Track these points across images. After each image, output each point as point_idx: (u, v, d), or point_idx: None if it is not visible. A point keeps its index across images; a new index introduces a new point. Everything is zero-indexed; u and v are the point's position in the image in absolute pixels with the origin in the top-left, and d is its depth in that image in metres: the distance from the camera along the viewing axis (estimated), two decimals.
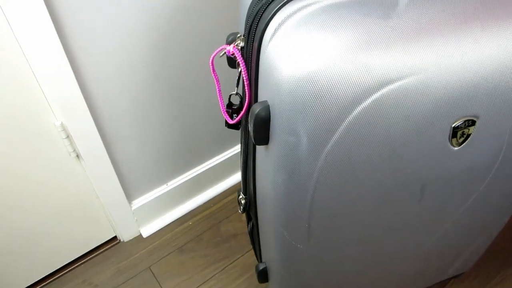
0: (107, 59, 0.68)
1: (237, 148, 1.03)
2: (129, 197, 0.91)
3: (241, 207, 0.68)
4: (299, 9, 0.42)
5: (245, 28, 0.48)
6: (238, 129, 0.57)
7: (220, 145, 0.99)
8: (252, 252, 0.93)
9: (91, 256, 0.93)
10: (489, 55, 0.42)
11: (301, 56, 0.39)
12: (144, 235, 0.97)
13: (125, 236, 0.94)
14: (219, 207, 1.03)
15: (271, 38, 0.43)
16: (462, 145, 0.48)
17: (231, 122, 0.56)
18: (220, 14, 0.77)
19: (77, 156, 0.77)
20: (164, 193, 0.95)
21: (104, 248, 0.95)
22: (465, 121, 0.46)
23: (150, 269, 0.91)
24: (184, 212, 1.01)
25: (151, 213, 0.96)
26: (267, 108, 0.44)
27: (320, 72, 0.39)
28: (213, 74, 0.54)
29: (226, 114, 0.56)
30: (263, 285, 0.87)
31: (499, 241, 0.92)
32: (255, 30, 0.46)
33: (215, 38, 0.79)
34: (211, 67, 0.53)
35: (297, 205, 0.50)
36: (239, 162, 1.06)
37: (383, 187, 0.50)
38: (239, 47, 0.50)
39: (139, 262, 0.92)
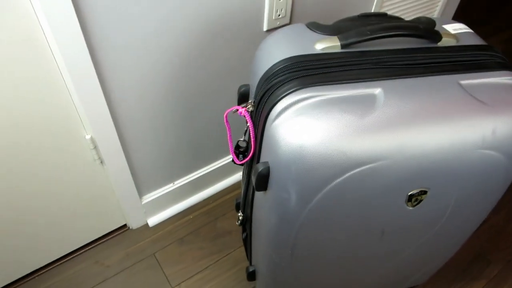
0: (132, 83, 0.77)
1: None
2: (140, 193, 1.02)
3: (239, 221, 0.81)
4: (298, 101, 0.53)
5: (255, 96, 0.60)
6: (242, 165, 0.69)
7: (223, 150, 1.09)
8: (243, 248, 1.06)
9: (103, 240, 1.06)
10: (439, 143, 0.54)
11: (296, 137, 0.51)
12: (150, 224, 1.09)
13: (134, 224, 1.07)
14: (217, 205, 1.14)
15: (275, 118, 0.54)
16: (415, 207, 0.62)
17: (238, 162, 0.68)
18: (237, 45, 0.86)
19: (101, 162, 0.89)
20: (171, 190, 1.06)
21: (115, 234, 1.08)
22: (419, 191, 0.59)
23: (155, 256, 1.05)
24: (186, 206, 1.13)
25: (158, 207, 1.07)
26: (267, 168, 0.57)
27: (309, 151, 0.51)
28: (226, 124, 0.66)
29: (234, 155, 0.68)
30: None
31: (452, 259, 1.07)
32: (263, 105, 0.57)
33: (229, 65, 0.88)
34: (224, 118, 0.65)
35: (283, 238, 0.63)
36: (236, 166, 1.16)
37: (352, 230, 0.63)
38: (249, 111, 0.61)
39: (145, 248, 1.05)
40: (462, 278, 1.02)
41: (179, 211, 1.12)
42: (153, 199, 1.04)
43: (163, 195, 1.05)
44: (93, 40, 0.68)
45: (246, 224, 0.80)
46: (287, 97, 0.54)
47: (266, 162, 0.57)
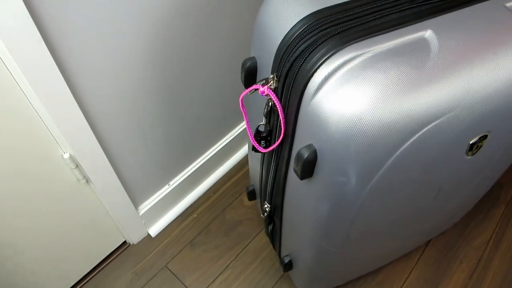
0: (108, 83, 0.67)
1: (229, 137, 1.06)
2: (136, 204, 0.93)
3: (266, 213, 0.73)
4: (342, 65, 0.45)
5: (278, 70, 0.51)
6: (258, 152, 0.61)
7: (215, 136, 1.02)
8: (261, 236, 1.00)
9: (104, 265, 0.96)
10: (501, 78, 0.48)
11: (352, 109, 0.44)
12: (153, 234, 1.01)
13: (134, 239, 0.98)
14: (219, 195, 1.08)
15: (316, 92, 0.46)
16: (474, 155, 0.56)
17: (262, 150, 0.59)
18: (227, 14, 0.77)
19: (87, 181, 0.78)
20: (168, 192, 0.98)
21: (116, 255, 0.98)
22: (480, 137, 0.54)
23: (168, 267, 0.96)
24: (187, 205, 1.05)
25: (157, 213, 0.99)
26: (314, 152, 0.49)
27: (370, 122, 0.44)
28: (242, 110, 0.57)
29: (256, 142, 0.60)
30: (276, 266, 0.95)
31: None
32: (294, 79, 0.49)
33: (218, 41, 0.79)
34: (240, 103, 0.56)
35: (337, 225, 0.57)
36: (231, 149, 1.09)
37: (411, 196, 0.58)
38: (272, 88, 0.52)
39: (154, 262, 0.97)
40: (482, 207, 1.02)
41: (181, 212, 1.05)
42: (150, 207, 0.96)
43: (160, 200, 0.97)
44: (52, 37, 0.55)
45: (275, 215, 0.73)
46: (326, 63, 0.46)
47: (311, 146, 0.49)
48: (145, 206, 0.95)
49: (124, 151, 0.80)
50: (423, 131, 0.47)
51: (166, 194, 0.98)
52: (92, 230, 0.88)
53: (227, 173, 1.12)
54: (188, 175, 1.00)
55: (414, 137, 0.47)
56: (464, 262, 0.95)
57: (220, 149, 1.05)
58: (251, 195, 0.88)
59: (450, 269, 0.94)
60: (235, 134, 1.07)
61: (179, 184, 0.99)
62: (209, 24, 0.77)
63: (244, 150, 1.14)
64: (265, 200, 0.73)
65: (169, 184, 0.98)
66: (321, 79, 0.46)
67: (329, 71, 0.45)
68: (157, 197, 0.96)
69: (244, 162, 1.14)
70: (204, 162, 1.02)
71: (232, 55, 0.87)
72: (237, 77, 0.93)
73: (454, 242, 0.98)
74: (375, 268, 0.89)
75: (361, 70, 0.45)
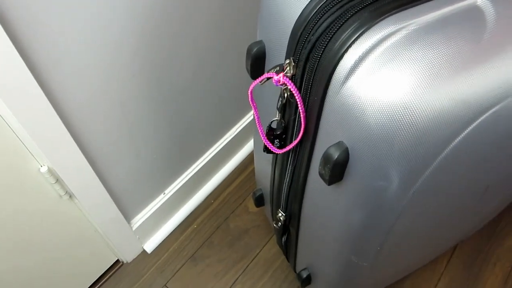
0: (89, 81, 0.60)
1: (229, 136, 1.00)
2: (128, 217, 0.87)
3: (279, 223, 0.67)
4: (379, 42, 0.39)
5: (295, 53, 0.45)
6: (271, 153, 0.55)
7: (213, 136, 0.97)
8: (270, 245, 0.94)
9: (97, 287, 0.89)
10: None
11: (396, 95, 0.37)
12: (149, 250, 0.94)
13: (128, 256, 0.91)
14: (221, 202, 1.01)
15: (347, 77, 0.40)
16: None
17: (277, 151, 0.52)
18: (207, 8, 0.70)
19: (70, 196, 0.70)
20: (163, 202, 0.92)
21: (109, 275, 0.91)
22: None
23: (167, 287, 0.89)
24: (185, 215, 0.99)
25: (152, 226, 0.93)
26: (346, 152, 0.43)
27: (419, 111, 0.37)
28: (251, 104, 0.50)
29: (268, 142, 0.53)
30: (290, 278, 0.88)
31: None
32: (318, 63, 0.42)
33: (206, 21, 0.73)
34: (249, 96, 0.49)
35: (372, 236, 0.51)
36: (232, 149, 1.04)
37: (457, 199, 0.51)
38: (289, 76, 0.46)
39: (152, 281, 0.90)
40: None
41: (179, 223, 0.98)
42: (145, 220, 0.90)
43: (155, 211, 0.91)
44: (19, 30, 0.47)
45: (291, 225, 0.67)
46: (359, 40, 0.39)
47: (341, 144, 0.43)
48: (139, 219, 0.89)
49: (112, 160, 0.73)
50: (479, 120, 0.40)
51: (162, 205, 0.91)
52: (80, 250, 0.81)
53: (228, 176, 1.06)
54: (185, 182, 0.94)
55: (469, 128, 0.40)
56: (497, 266, 0.89)
57: (220, 150, 0.99)
58: (259, 201, 0.82)
59: (482, 274, 0.88)
60: (236, 132, 1.01)
61: (175, 192, 0.93)
62: (199, 4, 0.70)
63: (246, 149, 1.09)
64: (278, 207, 0.67)
65: (164, 193, 0.92)
66: (353, 61, 0.39)
67: (364, 50, 0.39)
68: (151, 208, 0.90)
69: (247, 162, 1.08)
70: (202, 166, 0.97)
71: (230, 41, 0.81)
72: (236, 67, 0.87)
73: (484, 244, 0.92)
74: (401, 277, 0.83)
75: (404, 47, 0.38)
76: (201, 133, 0.91)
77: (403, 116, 0.37)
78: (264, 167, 0.71)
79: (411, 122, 0.37)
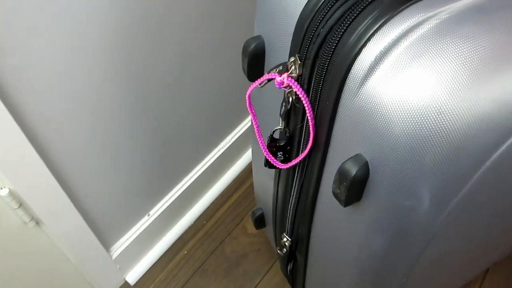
0: (52, 81, 0.58)
1: (221, 147, 0.99)
2: (107, 245, 0.84)
3: (284, 249, 0.65)
4: (406, 34, 0.36)
5: (301, 49, 0.43)
6: (273, 167, 0.54)
7: (204, 148, 0.96)
8: (274, 272, 0.92)
9: None
10: None
11: (426, 101, 0.35)
12: (132, 281, 0.91)
13: None
14: (214, 223, 0.99)
15: (366, 77, 0.38)
16: None
17: (280, 166, 0.50)
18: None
19: (37, 223, 0.68)
20: (148, 225, 0.90)
21: None
22: None
23: None
24: (174, 240, 0.97)
25: (136, 254, 0.91)
26: (365, 166, 0.41)
27: (454, 119, 0.35)
28: (249, 110, 0.49)
29: (270, 154, 0.51)
30: None
31: None
32: (329, 60, 0.40)
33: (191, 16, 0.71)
34: (247, 101, 0.48)
35: (397, 265, 0.49)
36: (226, 163, 1.03)
37: (499, 215, 0.49)
38: (294, 76, 0.44)
39: None
40: None
41: (167, 249, 0.96)
42: (127, 247, 0.87)
43: (139, 235, 0.89)
44: None
45: (299, 251, 0.65)
46: (380, 32, 0.37)
47: (359, 157, 0.41)
48: (119, 246, 0.86)
49: (87, 179, 0.71)
50: None
51: (146, 228, 0.89)
52: (51, 284, 0.78)
53: (223, 192, 1.04)
54: (173, 201, 0.93)
55: None
56: None
57: (212, 162, 0.98)
58: (259, 222, 0.81)
59: None
60: (231, 141, 1.00)
61: (161, 213, 0.91)
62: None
63: (243, 160, 1.09)
64: (283, 231, 0.65)
65: (149, 214, 0.90)
66: (373, 58, 0.37)
67: (386, 44, 0.36)
68: (134, 232, 0.88)
69: (245, 176, 1.07)
70: (192, 182, 0.95)
71: (223, 37, 0.80)
72: (230, 67, 0.86)
73: None
74: None
75: (435, 41, 0.36)
76: (190, 144, 0.90)
77: (436, 122, 0.35)
78: (265, 183, 0.69)
79: (446, 130, 0.35)
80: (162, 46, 0.69)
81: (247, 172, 1.07)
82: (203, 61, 0.80)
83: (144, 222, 0.89)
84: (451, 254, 0.52)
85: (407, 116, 0.35)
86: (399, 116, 0.36)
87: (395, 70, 0.36)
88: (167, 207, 0.92)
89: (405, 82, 0.35)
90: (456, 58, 0.35)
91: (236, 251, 0.95)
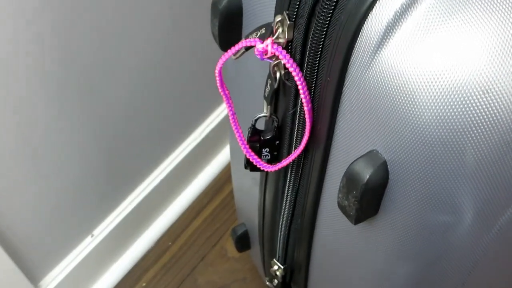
0: None
1: (189, 143, 1.02)
2: (35, 279, 0.85)
3: (275, 280, 0.68)
4: None
5: (290, 6, 0.44)
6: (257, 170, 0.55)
7: (161, 150, 0.99)
8: None
9: None
10: None
11: (468, 79, 0.35)
12: None
13: None
14: (183, 245, 1.01)
15: (382, 42, 0.37)
16: None
17: (266, 167, 0.51)
18: None
19: None
20: (91, 249, 0.91)
21: None
22: None
23: None
24: (128, 267, 0.99)
25: (76, 286, 0.93)
26: (383, 168, 0.41)
27: (507, 101, 0.35)
28: (221, 91, 0.49)
29: (251, 152, 0.52)
30: None
31: None
32: (328, 19, 0.41)
33: None
34: (217, 78, 0.48)
35: None
36: (195, 163, 1.07)
37: None
38: (282, 43, 0.44)
39: None
40: None
41: (119, 279, 0.98)
42: (63, 279, 0.88)
43: (80, 262, 0.90)
44: None
45: (292, 281, 0.68)
46: None
47: (374, 155, 0.41)
48: (53, 279, 0.88)
49: (7, 191, 0.73)
50: None
51: (90, 253, 0.91)
52: None
53: (192, 204, 1.07)
54: (126, 215, 0.95)
55: None
56: None
57: (176, 165, 1.01)
58: (242, 243, 0.82)
59: None
60: (203, 135, 1.03)
61: (110, 231, 0.93)
62: None
63: (219, 161, 1.11)
64: (272, 256, 0.67)
65: (92, 235, 0.92)
66: (392, 12, 0.36)
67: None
68: (74, 259, 0.89)
69: (221, 181, 1.08)
70: (151, 191, 0.98)
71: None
72: (195, 33, 0.88)
73: None
74: None
75: None
76: (146, 142, 0.94)
77: (482, 105, 0.34)
78: (249, 190, 0.71)
79: (496, 116, 0.34)
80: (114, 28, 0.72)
81: (225, 175, 1.09)
82: (157, 24, 0.82)
83: (87, 245, 0.91)
84: (496, 281, 0.54)
85: (440, 97, 0.35)
86: (429, 96, 0.35)
87: (424, 30, 0.35)
88: (118, 224, 0.94)
89: (437, 47, 0.35)
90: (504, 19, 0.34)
91: (212, 281, 0.97)
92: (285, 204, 0.57)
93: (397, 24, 0.35)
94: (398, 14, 0.35)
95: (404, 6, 0.35)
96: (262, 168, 0.51)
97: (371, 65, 0.37)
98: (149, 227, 1.02)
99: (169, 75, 0.90)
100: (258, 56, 0.43)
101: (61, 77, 0.73)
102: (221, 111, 1.04)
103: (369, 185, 0.40)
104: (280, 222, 0.61)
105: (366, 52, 0.37)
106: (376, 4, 0.36)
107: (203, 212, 1.05)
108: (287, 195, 0.56)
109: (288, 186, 0.55)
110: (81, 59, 0.75)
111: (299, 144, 0.48)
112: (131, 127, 0.88)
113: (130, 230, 0.98)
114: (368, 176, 0.39)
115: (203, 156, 1.06)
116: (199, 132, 1.02)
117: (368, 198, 0.41)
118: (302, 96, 0.43)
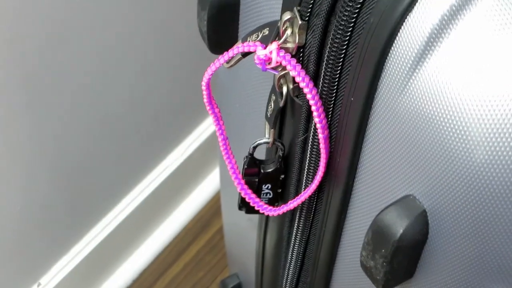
0: None
1: (164, 169, 1.06)
2: None
3: None
4: None
5: (301, 2, 0.45)
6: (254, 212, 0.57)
7: (131, 173, 1.04)
8: None
9: None
10: None
11: None
12: None
13: None
14: None
15: (424, 56, 0.37)
16: None
17: (267, 211, 0.51)
18: None
19: None
20: None
21: None
22: None
23: None
24: None
25: None
26: (423, 221, 0.41)
27: None
28: (209, 108, 0.50)
29: (247, 190, 0.52)
30: None
31: None
32: (354, 18, 0.41)
33: None
34: (205, 92, 0.48)
35: None
36: (170, 195, 1.11)
37: None
38: (290, 49, 0.45)
39: None
40: None
41: None
42: None
43: None
44: None
45: None
46: None
47: (411, 202, 0.41)
48: None
49: None
50: None
51: None
52: None
53: (170, 245, 1.09)
54: (80, 260, 0.99)
55: None
56: None
57: (150, 194, 1.07)
58: None
59: None
60: (182, 159, 1.08)
61: (60, 281, 0.93)
62: None
63: (206, 190, 1.13)
64: None
65: (39, 284, 0.93)
66: (437, 19, 0.36)
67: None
68: None
69: (210, 213, 1.12)
70: (118, 224, 1.03)
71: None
72: (180, 30, 0.91)
73: None
74: None
75: None
76: (110, 167, 0.98)
77: None
78: (243, 232, 0.73)
79: None
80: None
81: (212, 208, 1.11)
82: (133, 21, 0.85)
83: None
84: None
85: (500, 129, 0.35)
86: (488, 127, 0.35)
87: (481, 39, 0.35)
88: (70, 272, 0.97)
89: (501, 61, 0.35)
90: None
91: None
92: (291, 256, 0.58)
93: (445, 30, 0.36)
94: (446, 17, 0.35)
95: (455, 7, 0.35)
96: (261, 211, 0.51)
97: (410, 83, 0.37)
98: (111, 275, 1.04)
99: (147, 87, 0.92)
100: (259, 66, 0.43)
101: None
102: (209, 124, 1.05)
103: (403, 242, 0.40)
104: (285, 278, 0.61)
105: (403, 66, 0.37)
106: (417, 3, 0.36)
107: (184, 255, 1.07)
108: (293, 246, 0.57)
109: (296, 235, 0.56)
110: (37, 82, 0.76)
111: (311, 181, 0.48)
112: (103, 144, 0.91)
113: (86, 280, 0.99)
114: (402, 231, 0.39)
115: (185, 182, 1.08)
116: (180, 151, 1.04)
117: (401, 259, 0.41)
118: (316, 119, 0.43)
